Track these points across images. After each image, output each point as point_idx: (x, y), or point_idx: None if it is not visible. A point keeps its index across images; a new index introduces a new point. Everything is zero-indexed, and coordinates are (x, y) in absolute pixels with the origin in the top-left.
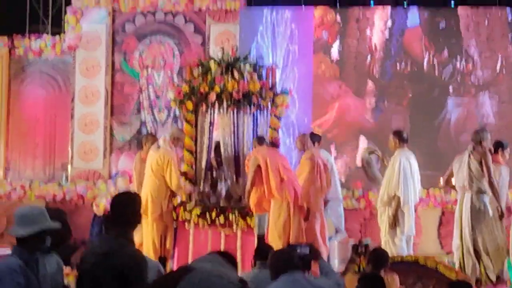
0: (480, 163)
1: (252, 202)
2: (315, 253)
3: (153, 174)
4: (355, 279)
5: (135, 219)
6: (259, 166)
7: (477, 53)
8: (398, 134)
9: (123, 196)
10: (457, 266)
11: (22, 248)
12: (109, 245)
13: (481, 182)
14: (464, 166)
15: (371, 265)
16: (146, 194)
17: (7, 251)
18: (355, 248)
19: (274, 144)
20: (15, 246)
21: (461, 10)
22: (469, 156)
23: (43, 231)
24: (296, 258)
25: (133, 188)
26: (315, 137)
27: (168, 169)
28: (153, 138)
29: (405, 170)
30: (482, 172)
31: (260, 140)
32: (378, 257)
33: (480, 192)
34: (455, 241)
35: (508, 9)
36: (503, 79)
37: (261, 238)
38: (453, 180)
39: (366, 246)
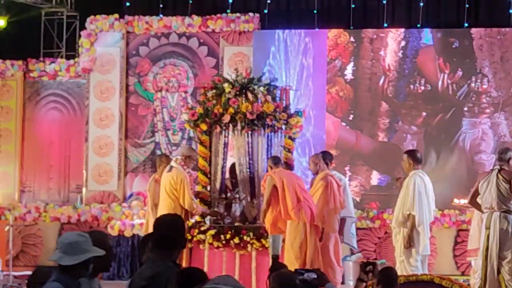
0: (509, 183)
1: (268, 222)
2: (322, 278)
3: (167, 195)
4: None
5: (180, 241)
6: (275, 187)
7: (491, 73)
8: (412, 154)
9: (168, 217)
10: (477, 286)
11: (65, 274)
12: (157, 268)
13: (510, 202)
14: (492, 187)
15: (381, 285)
16: None
17: (23, 272)
18: (363, 266)
19: (289, 165)
20: (57, 271)
21: (475, 31)
22: (497, 176)
23: (87, 259)
24: (297, 282)
25: (148, 210)
26: (327, 156)
27: (181, 189)
28: (167, 159)
29: (419, 190)
30: (511, 192)
31: (275, 160)
32: (388, 276)
33: (507, 212)
34: (479, 261)
35: None
36: None
37: (275, 259)
38: (479, 200)
39: (374, 264)
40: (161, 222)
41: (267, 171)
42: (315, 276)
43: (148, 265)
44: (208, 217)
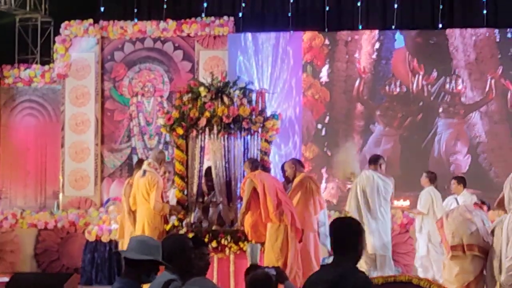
0: None
1: (248, 225)
2: (281, 276)
3: (144, 200)
4: None
5: (357, 246)
6: (255, 190)
7: (466, 74)
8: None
9: (345, 221)
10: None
11: (130, 279)
12: (337, 272)
13: None
14: None
15: None
16: (142, 221)
17: (1, 279)
18: None
19: (265, 168)
20: (123, 278)
21: (449, 32)
22: None
23: (155, 263)
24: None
25: (122, 214)
26: (300, 164)
27: (152, 191)
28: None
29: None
30: None
31: (254, 163)
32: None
33: None
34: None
35: (496, 30)
36: (493, 100)
37: (253, 268)
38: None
39: None
40: (337, 226)
41: (244, 174)
42: (274, 273)
43: (325, 271)
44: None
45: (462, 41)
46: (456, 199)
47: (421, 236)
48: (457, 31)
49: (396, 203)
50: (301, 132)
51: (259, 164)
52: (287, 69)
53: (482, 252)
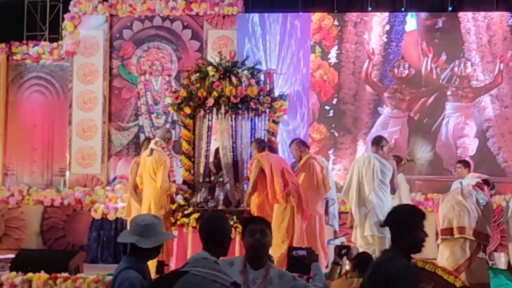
0: None
1: (254, 206)
2: (310, 257)
3: (151, 179)
4: (339, 282)
5: (404, 236)
6: (262, 171)
7: (477, 57)
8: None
9: (402, 209)
10: None
11: (135, 258)
12: (378, 260)
13: None
14: None
15: (357, 270)
16: (148, 200)
17: (6, 255)
18: (337, 250)
19: (272, 149)
20: (128, 257)
21: (461, 15)
22: None
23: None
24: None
25: (128, 193)
26: (304, 145)
27: (159, 170)
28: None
29: None
30: None
31: (262, 144)
32: (364, 261)
33: None
34: None
35: (509, 14)
36: (502, 83)
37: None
38: None
39: (349, 248)
40: (394, 216)
41: (251, 154)
42: (304, 253)
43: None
44: (180, 195)
45: (473, 24)
46: (461, 182)
47: None
48: (469, 14)
49: None
50: (308, 107)
51: (266, 145)
52: (295, 50)
53: (474, 235)
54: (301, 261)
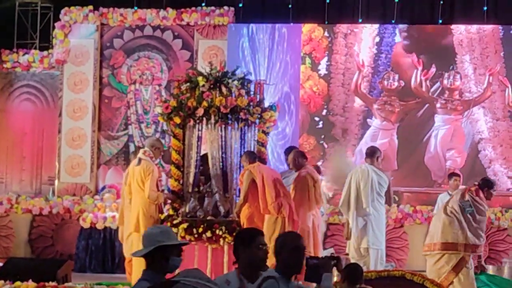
0: None
1: (244, 217)
2: (324, 266)
3: (140, 189)
4: None
5: None
6: (254, 182)
7: (466, 70)
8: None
9: None
10: None
11: (149, 270)
12: None
13: None
14: None
15: (347, 281)
16: (137, 209)
17: None
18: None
19: (262, 159)
20: (145, 270)
21: (451, 27)
22: None
23: (164, 251)
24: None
25: (123, 200)
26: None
27: (147, 180)
28: None
29: None
30: None
31: (252, 155)
32: (353, 272)
33: None
34: None
35: (500, 26)
36: (492, 96)
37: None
38: None
39: (338, 259)
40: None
41: (240, 165)
42: (318, 262)
43: None
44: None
45: (464, 36)
46: (448, 193)
47: None
48: (461, 26)
49: None
50: (298, 118)
51: (257, 156)
52: (285, 61)
53: (451, 248)
54: (316, 270)
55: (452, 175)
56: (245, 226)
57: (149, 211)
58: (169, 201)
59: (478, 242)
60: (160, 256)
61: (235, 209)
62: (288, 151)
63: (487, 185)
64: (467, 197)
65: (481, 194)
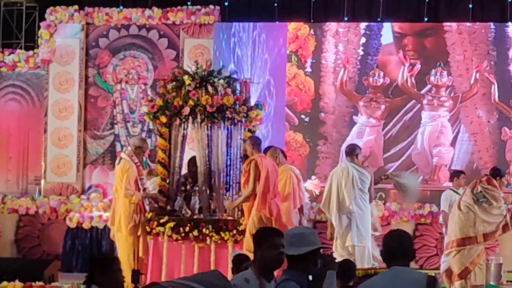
0: None
1: (247, 210)
2: (331, 264)
3: (119, 187)
4: None
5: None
6: (258, 173)
7: (452, 67)
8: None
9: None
10: None
11: (293, 269)
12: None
13: None
14: None
15: (340, 279)
16: (120, 208)
17: None
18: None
19: (247, 158)
20: (288, 270)
21: (439, 24)
22: None
23: (314, 252)
24: None
25: (114, 200)
26: (283, 154)
27: (123, 178)
28: None
29: None
30: None
31: (257, 142)
32: (345, 269)
33: None
34: None
35: (490, 24)
36: (478, 93)
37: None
38: None
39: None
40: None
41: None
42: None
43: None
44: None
45: (450, 33)
46: (454, 190)
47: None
48: (447, 24)
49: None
50: (284, 116)
51: (260, 142)
52: (271, 59)
53: (471, 242)
54: (322, 267)
55: (459, 172)
56: (246, 216)
57: (128, 210)
58: (153, 202)
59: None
60: (311, 257)
61: (236, 201)
62: (267, 149)
63: (498, 174)
64: (479, 188)
65: (493, 182)
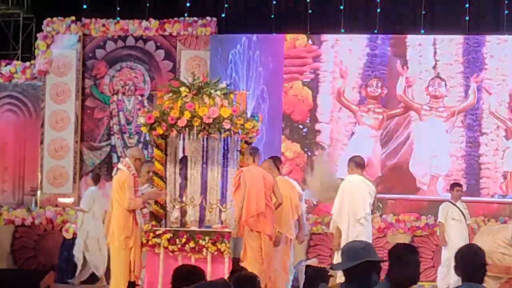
0: None
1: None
2: (323, 276)
3: (114, 199)
4: None
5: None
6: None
7: (451, 77)
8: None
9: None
10: None
11: (352, 285)
12: None
13: None
14: None
15: (307, 283)
16: (112, 221)
17: None
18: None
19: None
20: (344, 283)
21: (433, 37)
22: None
23: (366, 264)
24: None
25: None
26: (277, 161)
27: (123, 189)
28: None
29: None
30: None
31: (253, 151)
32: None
33: None
34: None
35: (485, 36)
36: (475, 104)
37: (236, 261)
38: None
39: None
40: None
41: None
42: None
43: None
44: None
45: (448, 44)
46: (452, 202)
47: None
48: (441, 36)
49: (61, 200)
50: (282, 126)
51: (257, 152)
52: (269, 69)
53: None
54: (315, 279)
55: (454, 185)
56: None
57: (120, 222)
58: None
59: None
60: (365, 271)
61: (244, 214)
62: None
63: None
64: None
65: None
